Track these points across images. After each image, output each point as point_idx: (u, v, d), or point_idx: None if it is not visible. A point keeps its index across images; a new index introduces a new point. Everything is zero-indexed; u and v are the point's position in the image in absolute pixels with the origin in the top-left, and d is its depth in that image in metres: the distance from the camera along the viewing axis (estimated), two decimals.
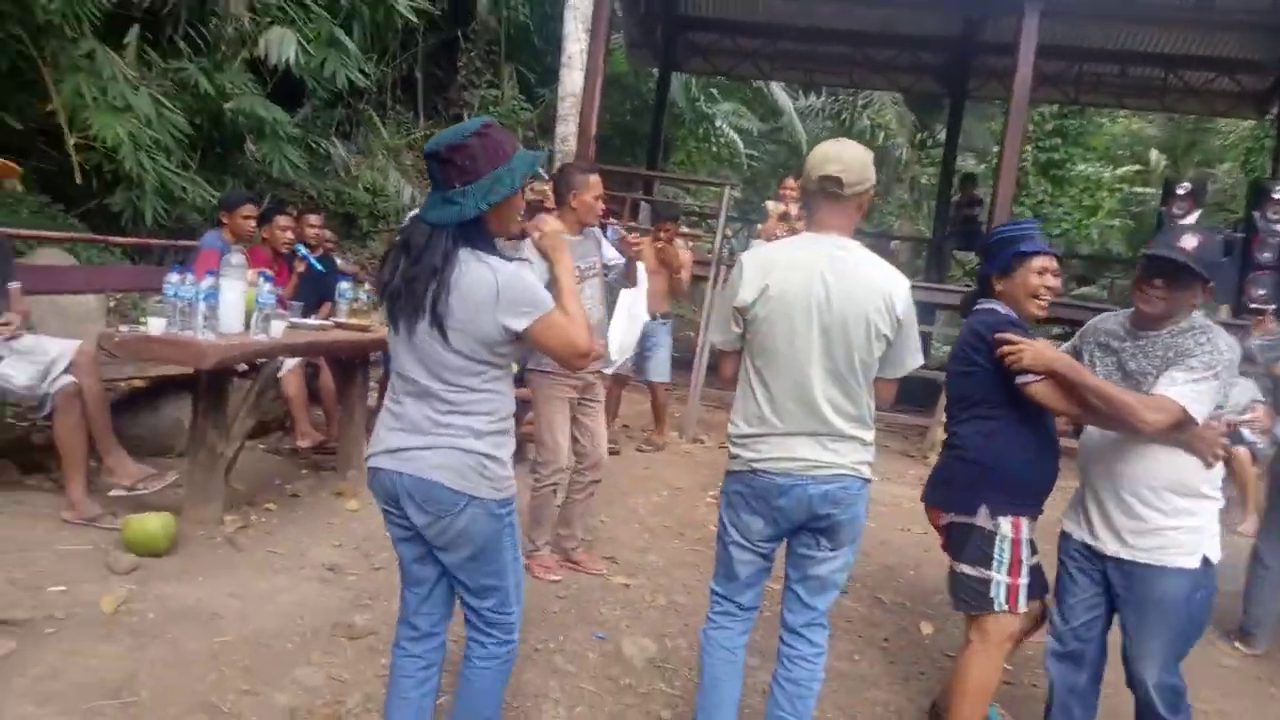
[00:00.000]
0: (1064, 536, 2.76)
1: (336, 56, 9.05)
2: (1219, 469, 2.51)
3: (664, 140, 16.69)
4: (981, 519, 2.58)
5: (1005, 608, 2.58)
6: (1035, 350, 2.48)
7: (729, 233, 9.74)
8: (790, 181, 7.41)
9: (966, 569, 2.63)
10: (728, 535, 2.49)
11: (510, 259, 2.10)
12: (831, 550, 2.40)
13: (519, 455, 5.42)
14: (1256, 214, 7.23)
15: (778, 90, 16.62)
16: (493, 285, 1.97)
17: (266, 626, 3.01)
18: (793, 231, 7.15)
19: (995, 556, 2.57)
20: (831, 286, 2.28)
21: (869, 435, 2.39)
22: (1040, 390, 2.51)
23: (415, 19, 11.03)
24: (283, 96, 10.02)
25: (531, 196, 6.76)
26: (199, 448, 3.66)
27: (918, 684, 3.37)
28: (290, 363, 5.04)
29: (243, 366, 4.18)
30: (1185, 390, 2.36)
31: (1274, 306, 6.01)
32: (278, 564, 3.53)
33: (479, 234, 2.03)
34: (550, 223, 2.45)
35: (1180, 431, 2.40)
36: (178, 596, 3.09)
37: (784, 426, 2.33)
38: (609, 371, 5.13)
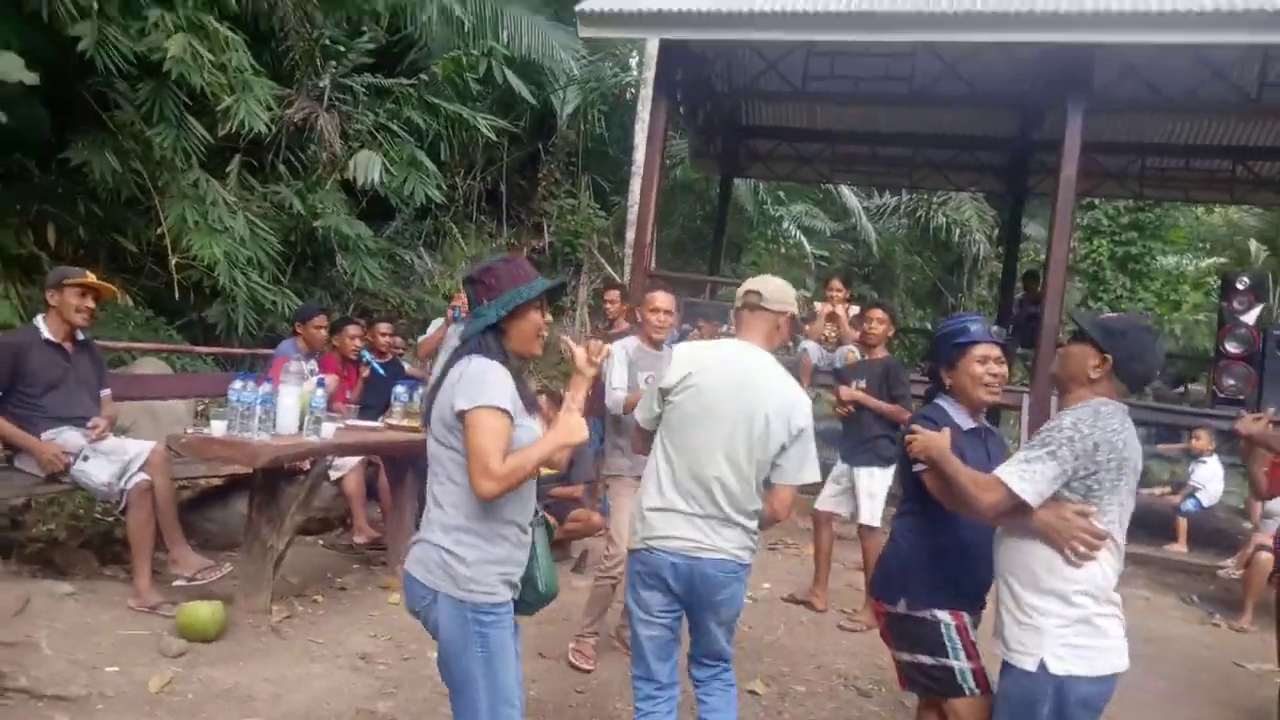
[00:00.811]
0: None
1: (416, 176, 9.81)
2: (1100, 574, 2.28)
3: (734, 244, 17.18)
4: (910, 608, 2.64)
5: (977, 691, 2.58)
6: (923, 438, 2.54)
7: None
8: (836, 283, 7.58)
9: (925, 659, 2.64)
10: (635, 614, 2.77)
11: None
12: (718, 626, 2.75)
13: (562, 552, 5.67)
14: (1224, 305, 7.03)
15: (846, 191, 16.92)
16: (462, 369, 2.21)
17: (295, 709, 3.23)
18: (840, 331, 7.29)
19: (949, 644, 2.60)
20: (744, 388, 2.63)
21: (753, 525, 2.72)
22: (926, 478, 2.58)
23: (496, 137, 11.90)
24: (377, 213, 10.91)
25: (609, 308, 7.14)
26: (252, 541, 3.99)
27: None
28: (351, 462, 5.41)
29: (305, 465, 4.57)
30: (1012, 468, 2.30)
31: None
32: (315, 652, 3.77)
33: (499, 348, 2.26)
34: (578, 354, 2.37)
35: (1022, 515, 2.28)
36: (219, 680, 3.35)
37: (681, 506, 2.66)
38: None
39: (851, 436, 5.28)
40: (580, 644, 4.07)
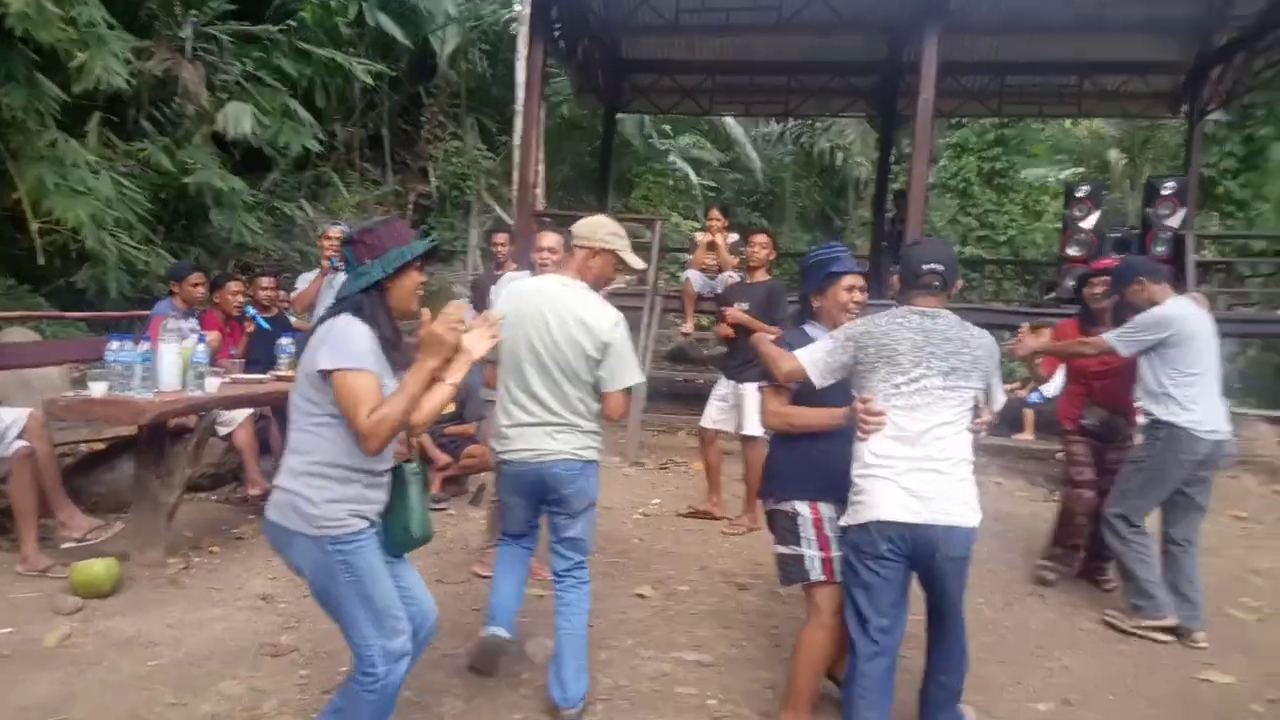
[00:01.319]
0: None
1: (291, 126, 9.57)
2: (878, 445, 2.74)
3: (625, 179, 17.28)
4: (778, 503, 3.06)
5: (822, 578, 2.94)
6: (730, 312, 3.51)
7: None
8: (715, 213, 7.82)
9: (782, 549, 3.04)
10: (504, 509, 3.34)
11: None
12: (569, 518, 3.16)
13: (458, 487, 5.88)
14: (1150, 210, 7.69)
15: (730, 122, 17.15)
16: (327, 329, 2.35)
17: (197, 650, 3.38)
18: (721, 259, 7.58)
19: (802, 534, 2.97)
20: (551, 316, 3.04)
21: (590, 427, 3.12)
22: (762, 390, 3.17)
23: (374, 82, 11.62)
24: (253, 166, 10.59)
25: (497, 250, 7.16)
26: (142, 496, 4.06)
27: None
28: (240, 416, 5.46)
29: (191, 422, 4.61)
30: (805, 350, 2.94)
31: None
32: (215, 598, 3.91)
33: (380, 306, 2.41)
34: (431, 324, 2.41)
35: (797, 378, 2.95)
36: (118, 630, 3.47)
37: (522, 419, 3.08)
38: None
39: (736, 356, 5.57)
40: (483, 557, 4.44)
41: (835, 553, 2.95)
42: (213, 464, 5.45)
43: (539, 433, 3.07)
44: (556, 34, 9.45)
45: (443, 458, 5.86)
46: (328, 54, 10.57)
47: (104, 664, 3.19)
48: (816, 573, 2.95)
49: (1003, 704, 3.42)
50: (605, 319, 3.06)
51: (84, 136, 7.89)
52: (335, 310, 2.41)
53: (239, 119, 9.07)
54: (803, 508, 2.99)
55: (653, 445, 7.73)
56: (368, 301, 2.39)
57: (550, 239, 4.46)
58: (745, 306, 5.55)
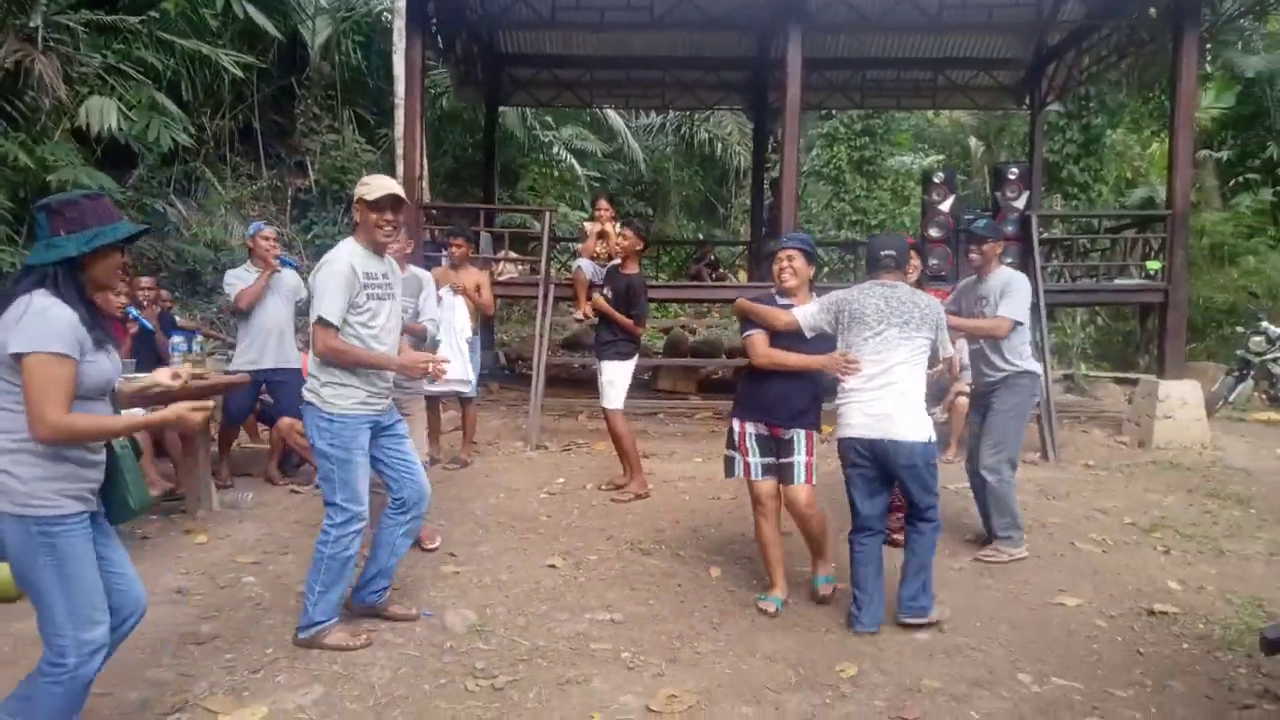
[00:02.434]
0: None
1: (159, 120, 9.23)
2: (851, 382, 3.85)
3: (510, 170, 17.33)
4: (731, 420, 4.20)
5: (740, 474, 4.13)
6: (737, 303, 4.26)
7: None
8: (603, 202, 8.08)
9: (725, 450, 4.25)
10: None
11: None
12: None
13: (292, 465, 5.96)
14: (998, 193, 8.46)
15: (610, 113, 17.44)
16: (22, 309, 2.27)
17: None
18: (610, 248, 7.84)
19: (733, 440, 4.14)
20: None
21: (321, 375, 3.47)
22: (745, 339, 4.13)
23: (242, 74, 11.28)
24: (116, 162, 10.12)
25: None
26: None
27: (701, 614, 4.03)
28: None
29: None
30: (800, 309, 3.98)
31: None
32: None
33: (74, 282, 2.35)
34: (184, 412, 2.61)
35: (791, 329, 3.96)
36: (31, 631, 3.43)
37: None
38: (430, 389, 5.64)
39: (599, 338, 6.09)
40: (429, 535, 4.77)
41: (753, 459, 4.07)
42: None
43: None
44: (434, 29, 9.48)
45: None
46: (193, 45, 10.22)
47: (21, 664, 3.18)
48: (736, 471, 4.14)
49: (886, 635, 3.83)
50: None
51: None
52: (22, 284, 2.34)
53: (104, 113, 8.68)
54: (735, 424, 4.13)
55: (554, 429, 7.95)
56: (61, 275, 2.32)
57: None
58: (608, 293, 5.97)
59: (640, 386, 10.69)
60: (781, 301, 4.11)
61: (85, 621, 2.36)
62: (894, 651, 3.68)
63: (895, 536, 4.49)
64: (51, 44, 8.79)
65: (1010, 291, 4.79)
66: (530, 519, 5.41)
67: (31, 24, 8.67)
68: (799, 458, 3.98)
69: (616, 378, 5.90)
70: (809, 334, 3.96)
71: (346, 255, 3.47)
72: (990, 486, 4.85)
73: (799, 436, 3.99)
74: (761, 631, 3.82)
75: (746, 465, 4.09)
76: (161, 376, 3.18)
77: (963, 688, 3.36)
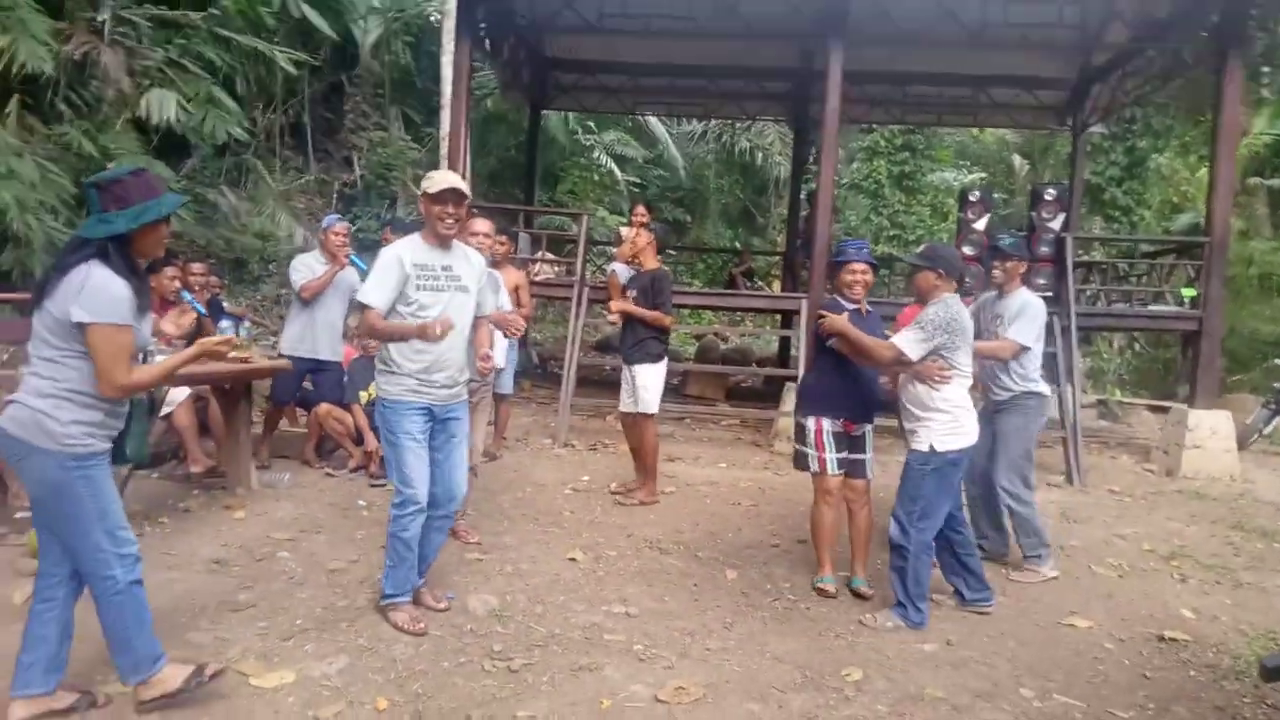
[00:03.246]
0: None
1: (215, 113, 9.55)
2: (952, 393, 4.03)
3: (551, 173, 17.57)
4: (801, 418, 4.43)
5: (817, 470, 4.35)
6: (829, 321, 4.23)
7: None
8: (640, 208, 8.19)
9: (797, 446, 4.46)
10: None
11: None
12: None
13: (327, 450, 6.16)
14: (1034, 214, 8.45)
15: (652, 119, 17.60)
16: (81, 278, 2.49)
17: (161, 607, 3.57)
18: (631, 249, 7.95)
19: (807, 437, 4.35)
20: None
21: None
22: (836, 344, 4.27)
23: (295, 70, 11.62)
24: (171, 151, 10.49)
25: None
26: None
27: (714, 613, 4.13)
28: (179, 398, 5.61)
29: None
30: (901, 337, 4.06)
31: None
32: (170, 562, 4.12)
33: (124, 254, 2.58)
34: (211, 343, 2.93)
35: (906, 366, 4.05)
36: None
37: None
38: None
39: (626, 341, 6.03)
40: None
41: (830, 454, 4.33)
42: (152, 444, 5.56)
43: None
44: (482, 32, 9.70)
45: (374, 441, 6.11)
46: (249, 42, 10.56)
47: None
48: (813, 466, 4.38)
49: (892, 644, 3.91)
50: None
51: (3, 119, 7.78)
52: (77, 255, 2.54)
53: (163, 105, 9.02)
54: (809, 422, 4.37)
55: (581, 429, 8.11)
56: (112, 249, 2.53)
57: (483, 224, 4.83)
58: (633, 294, 6.00)
59: (669, 391, 10.80)
60: (849, 307, 4.37)
61: (120, 540, 2.67)
62: (900, 660, 3.75)
63: None
64: (117, 38, 9.15)
65: (1023, 315, 4.87)
66: (554, 513, 5.56)
67: (100, 18, 9.05)
68: (870, 454, 4.44)
69: (650, 381, 5.87)
70: (916, 361, 4.06)
71: (400, 247, 3.62)
72: (1013, 511, 4.94)
73: (869, 432, 4.42)
74: (771, 633, 3.92)
75: (823, 460, 4.33)
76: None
77: (965, 698, 3.44)
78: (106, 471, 2.66)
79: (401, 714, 3.00)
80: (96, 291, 2.48)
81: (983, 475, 5.01)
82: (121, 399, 2.66)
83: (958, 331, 4.02)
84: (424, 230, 3.68)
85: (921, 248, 4.67)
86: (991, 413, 5.03)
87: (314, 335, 6.01)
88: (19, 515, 4.19)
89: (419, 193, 3.57)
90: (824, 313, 4.31)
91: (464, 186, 3.60)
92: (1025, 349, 4.85)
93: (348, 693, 3.11)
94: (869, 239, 16.41)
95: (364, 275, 3.97)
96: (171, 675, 2.79)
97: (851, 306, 4.37)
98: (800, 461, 4.43)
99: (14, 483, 4.23)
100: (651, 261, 6.10)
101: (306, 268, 6.05)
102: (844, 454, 4.38)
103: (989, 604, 4.31)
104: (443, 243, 3.65)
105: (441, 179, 3.57)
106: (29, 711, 2.70)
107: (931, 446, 4.03)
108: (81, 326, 2.48)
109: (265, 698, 3.02)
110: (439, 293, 3.61)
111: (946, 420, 4.04)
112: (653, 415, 5.88)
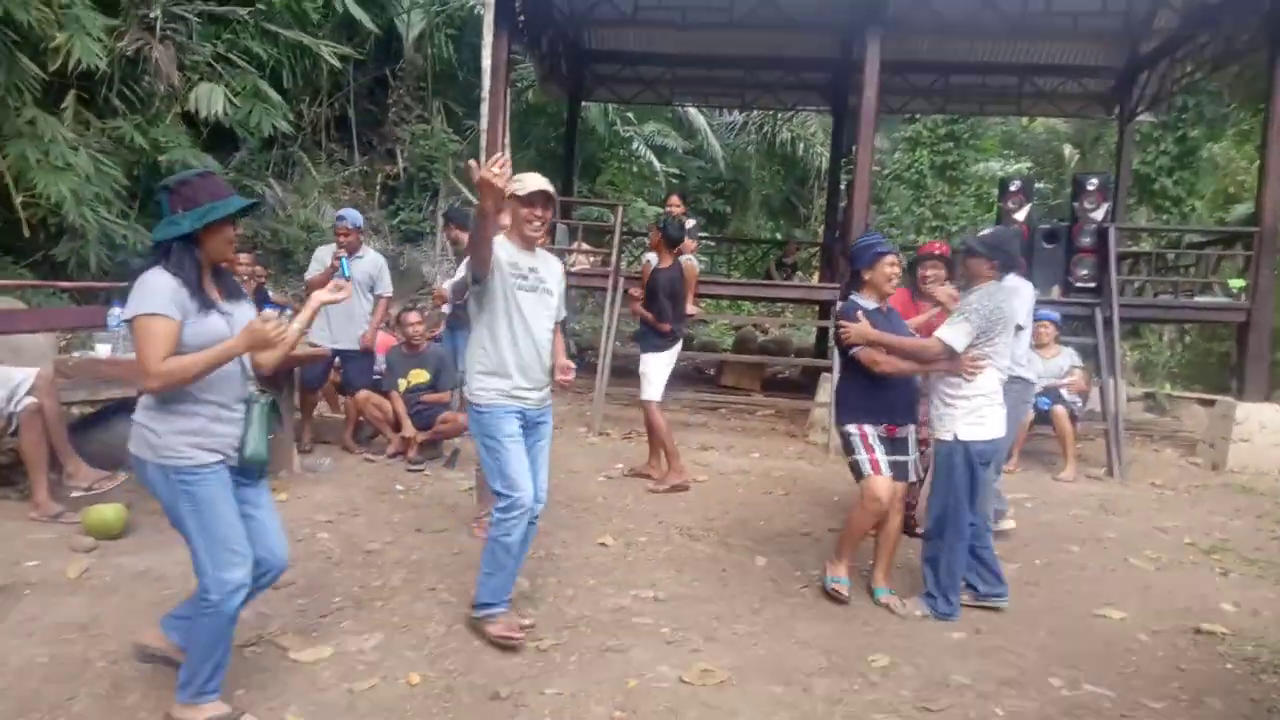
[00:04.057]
0: None
1: (262, 107, 9.77)
2: (983, 382, 3.98)
3: (591, 164, 17.65)
4: (846, 427, 4.16)
5: (870, 473, 4.05)
6: (853, 331, 4.02)
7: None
8: (674, 198, 8.25)
9: (849, 457, 4.17)
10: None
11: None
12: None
13: (433, 450, 6.25)
14: (1076, 204, 8.30)
15: (692, 111, 17.57)
16: (139, 281, 2.53)
17: None
18: (681, 244, 8.00)
19: (854, 446, 4.09)
20: None
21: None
22: (860, 354, 4.05)
23: (339, 64, 11.83)
24: (220, 144, 10.77)
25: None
26: None
27: (742, 599, 4.17)
28: None
29: None
30: (945, 331, 3.94)
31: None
32: None
33: (190, 255, 2.54)
34: (260, 326, 2.63)
35: (952, 359, 3.93)
36: (131, 565, 3.82)
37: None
38: None
39: (639, 331, 6.39)
40: (480, 523, 4.65)
41: (880, 456, 4.07)
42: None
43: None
44: (521, 25, 9.79)
45: (411, 428, 6.25)
46: (295, 36, 10.78)
47: (122, 592, 3.55)
48: (866, 470, 4.09)
49: (922, 632, 3.92)
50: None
51: (60, 114, 8.06)
52: (148, 260, 2.60)
53: (212, 99, 9.27)
54: (852, 429, 4.14)
55: (616, 417, 8.18)
56: (176, 250, 2.53)
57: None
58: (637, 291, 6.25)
59: (704, 381, 10.86)
60: (866, 306, 4.14)
61: (223, 564, 2.57)
62: (928, 647, 3.76)
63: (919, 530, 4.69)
64: (168, 33, 9.41)
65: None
66: (587, 499, 5.63)
67: (151, 14, 9.31)
68: (913, 455, 4.23)
69: (650, 370, 6.08)
70: (962, 350, 3.95)
71: (495, 244, 3.55)
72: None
73: (912, 433, 4.23)
74: (799, 619, 3.95)
75: (874, 462, 4.06)
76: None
77: (991, 686, 3.43)
78: (214, 487, 2.58)
79: (433, 689, 3.09)
80: (138, 288, 2.51)
81: None
82: (224, 398, 2.61)
83: (999, 320, 3.96)
84: (508, 230, 3.60)
85: (985, 233, 4.60)
86: None
87: (330, 325, 6.18)
88: (74, 494, 4.37)
89: (507, 195, 3.36)
90: (844, 323, 4.07)
91: (553, 190, 3.50)
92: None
93: (382, 667, 3.21)
94: (911, 230, 16.25)
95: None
96: (208, 711, 2.67)
97: (872, 306, 4.16)
98: (857, 471, 4.13)
99: (69, 463, 4.41)
100: (666, 258, 6.21)
101: (319, 261, 6.27)
102: (891, 457, 4.14)
103: (1003, 600, 4.21)
104: (528, 245, 3.57)
105: (532, 181, 3.45)
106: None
107: (955, 435, 4.00)
108: (129, 324, 2.53)
109: (303, 671, 3.14)
110: (529, 292, 3.54)
111: (970, 409, 3.99)
112: (652, 401, 6.02)
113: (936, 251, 4.97)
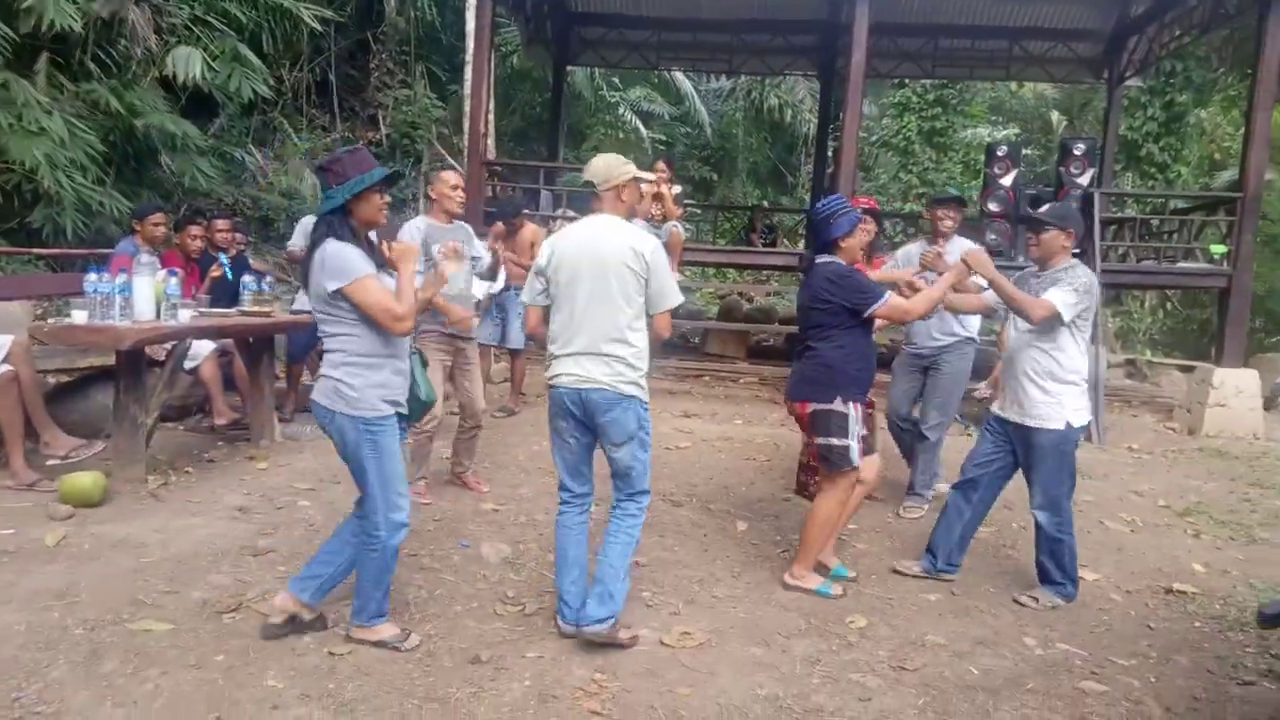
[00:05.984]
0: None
1: (241, 71, 9.59)
2: (1082, 366, 3.84)
3: (576, 130, 17.46)
4: (838, 405, 3.73)
5: (856, 463, 3.78)
6: (979, 260, 3.90)
7: None
8: (660, 164, 8.18)
9: (835, 441, 3.75)
10: (553, 438, 3.42)
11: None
12: (613, 445, 3.26)
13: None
14: (1062, 169, 8.29)
15: (679, 75, 17.39)
16: (321, 256, 2.85)
17: (184, 550, 3.75)
18: (666, 209, 7.97)
19: (849, 429, 3.73)
20: (595, 246, 3.23)
21: (629, 359, 3.20)
22: (890, 304, 3.73)
23: (320, 27, 11.61)
24: (199, 110, 10.58)
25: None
26: (122, 417, 4.36)
27: (723, 563, 4.22)
28: (205, 351, 5.74)
29: (161, 355, 4.90)
30: (1057, 296, 3.71)
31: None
32: (194, 509, 4.26)
33: (346, 224, 2.89)
34: (401, 244, 3.08)
35: (1053, 323, 3.75)
36: (109, 534, 3.82)
37: (567, 347, 3.24)
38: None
39: None
40: (413, 488, 4.52)
41: (854, 442, 3.79)
42: (178, 396, 5.72)
43: (581, 360, 3.20)
44: None
45: None
46: None
47: (101, 560, 3.55)
48: (853, 459, 3.78)
49: (897, 594, 3.97)
50: (649, 242, 3.29)
51: (33, 77, 7.88)
52: (317, 233, 2.92)
53: (190, 63, 9.06)
54: (851, 408, 3.77)
55: None
56: (335, 222, 2.87)
57: (452, 176, 4.79)
58: None
59: (689, 350, 10.85)
60: (876, 274, 4.20)
61: (394, 505, 2.97)
62: (905, 609, 3.82)
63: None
64: None
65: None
66: None
67: None
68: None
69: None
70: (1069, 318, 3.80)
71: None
72: (931, 442, 5.15)
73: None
74: (779, 582, 3.98)
75: (863, 447, 3.92)
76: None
77: (966, 645, 3.49)
78: (392, 436, 2.95)
79: (414, 653, 3.11)
80: (334, 258, 2.80)
81: (908, 419, 5.27)
82: (397, 351, 2.97)
83: (1095, 295, 3.88)
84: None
85: (1046, 207, 4.57)
86: (926, 356, 5.17)
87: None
88: (51, 462, 4.35)
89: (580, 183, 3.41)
90: (971, 257, 3.90)
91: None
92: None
93: None
94: (898, 197, 16.20)
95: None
96: (384, 630, 3.10)
97: (876, 273, 4.28)
98: (841, 460, 3.77)
99: (46, 431, 4.38)
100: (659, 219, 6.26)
101: (302, 232, 6.21)
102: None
103: (951, 574, 4.17)
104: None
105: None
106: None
107: (1068, 423, 3.83)
108: (339, 293, 2.80)
109: (284, 637, 3.15)
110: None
111: (1078, 393, 3.86)
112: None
113: (864, 206, 4.91)
